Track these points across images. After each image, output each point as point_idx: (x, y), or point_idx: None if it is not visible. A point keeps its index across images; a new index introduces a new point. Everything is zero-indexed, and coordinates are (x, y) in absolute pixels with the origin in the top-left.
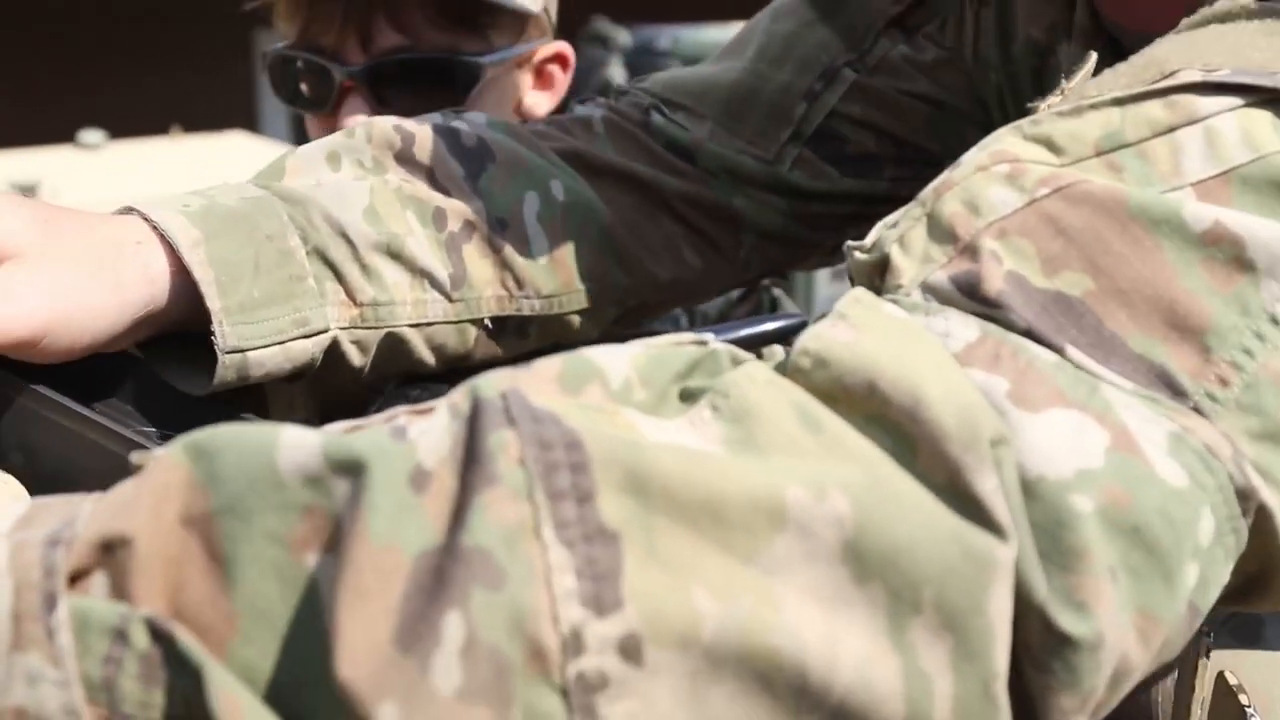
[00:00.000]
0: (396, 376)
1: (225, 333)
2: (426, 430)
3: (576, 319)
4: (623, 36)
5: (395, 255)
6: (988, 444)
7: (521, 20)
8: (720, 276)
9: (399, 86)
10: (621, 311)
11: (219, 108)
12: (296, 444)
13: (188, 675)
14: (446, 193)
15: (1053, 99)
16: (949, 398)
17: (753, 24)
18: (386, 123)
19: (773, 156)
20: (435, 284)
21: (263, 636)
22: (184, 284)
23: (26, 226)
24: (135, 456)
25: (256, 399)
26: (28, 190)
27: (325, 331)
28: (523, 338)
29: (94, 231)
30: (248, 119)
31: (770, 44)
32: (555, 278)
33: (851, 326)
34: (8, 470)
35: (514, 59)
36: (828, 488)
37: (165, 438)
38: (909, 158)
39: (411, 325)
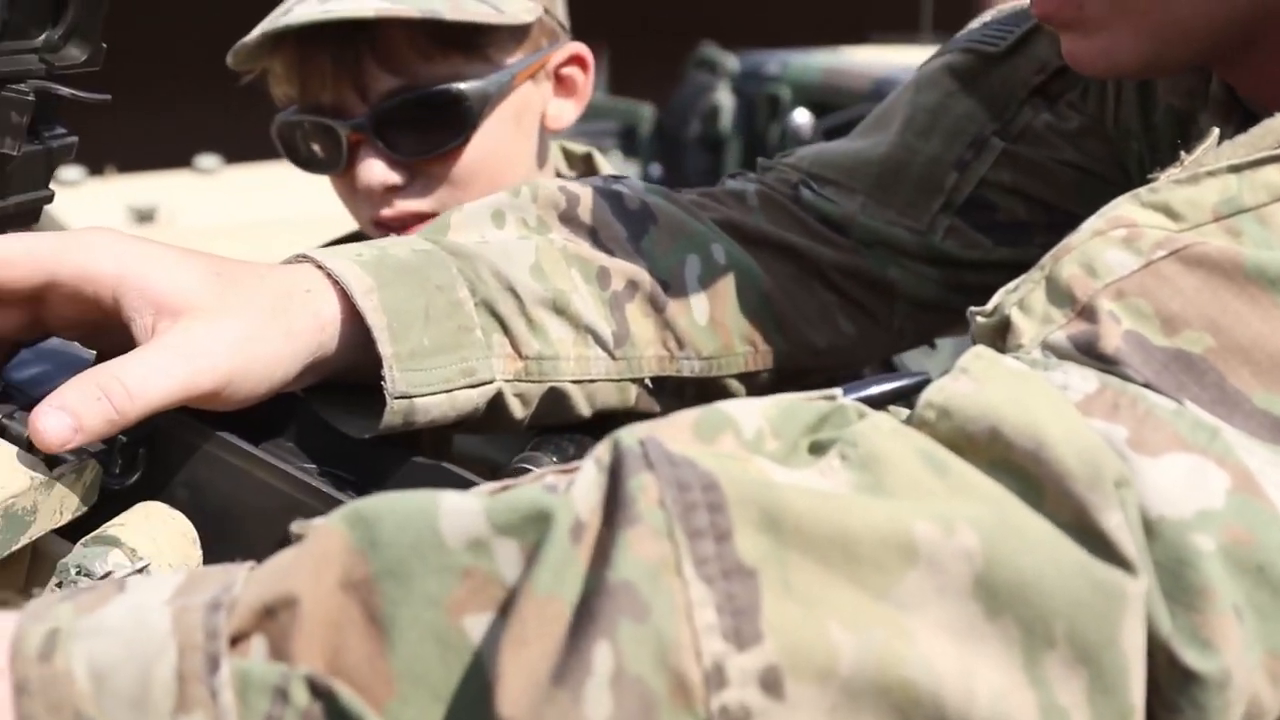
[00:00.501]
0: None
1: (395, 378)
2: (578, 484)
3: (734, 383)
4: (730, 62)
5: (560, 311)
6: (1111, 484)
7: (521, 32)
8: (874, 344)
9: (406, 128)
10: (778, 378)
11: None
12: (459, 509)
13: None
14: (610, 253)
15: (1173, 169)
16: (1071, 440)
17: (895, 99)
18: (552, 183)
19: (925, 227)
20: (599, 341)
21: (421, 698)
22: (354, 330)
23: (202, 281)
24: (295, 526)
25: (410, 440)
26: (146, 214)
27: (491, 383)
28: (680, 399)
29: (264, 281)
30: None
31: (916, 116)
32: (715, 340)
33: (973, 379)
34: (174, 506)
35: (523, 72)
36: (956, 523)
37: (327, 476)
38: (1059, 224)
39: (574, 381)
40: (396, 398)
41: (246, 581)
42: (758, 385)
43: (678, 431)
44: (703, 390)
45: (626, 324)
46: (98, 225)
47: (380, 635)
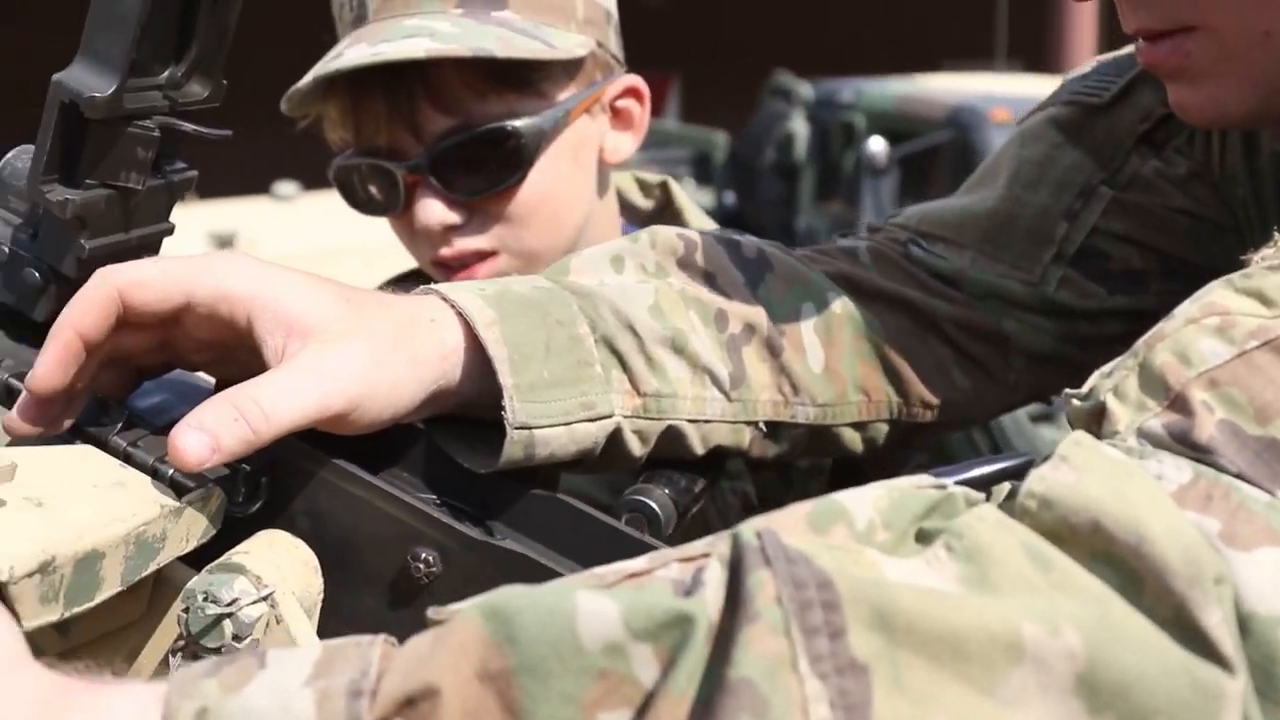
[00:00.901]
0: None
1: (515, 409)
2: (709, 584)
3: (847, 432)
4: (805, 90)
5: (679, 350)
6: (1211, 580)
7: (574, 66)
8: (989, 399)
9: (462, 167)
10: (892, 432)
11: None
12: (595, 612)
13: None
14: (728, 297)
15: (1266, 250)
16: (1171, 535)
17: (1000, 154)
18: (670, 230)
19: (1037, 279)
20: (715, 382)
21: None
22: (475, 361)
23: (333, 305)
24: (432, 612)
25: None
26: (225, 240)
27: (610, 417)
28: (793, 446)
29: (391, 309)
30: None
31: (1022, 169)
32: (830, 388)
33: (1074, 469)
34: (295, 534)
35: (578, 106)
36: (1060, 623)
37: (445, 507)
38: (1174, 271)
39: (690, 420)
40: (517, 428)
41: (386, 669)
42: (872, 438)
43: (794, 523)
44: (816, 439)
45: (743, 366)
46: (225, 252)
47: None
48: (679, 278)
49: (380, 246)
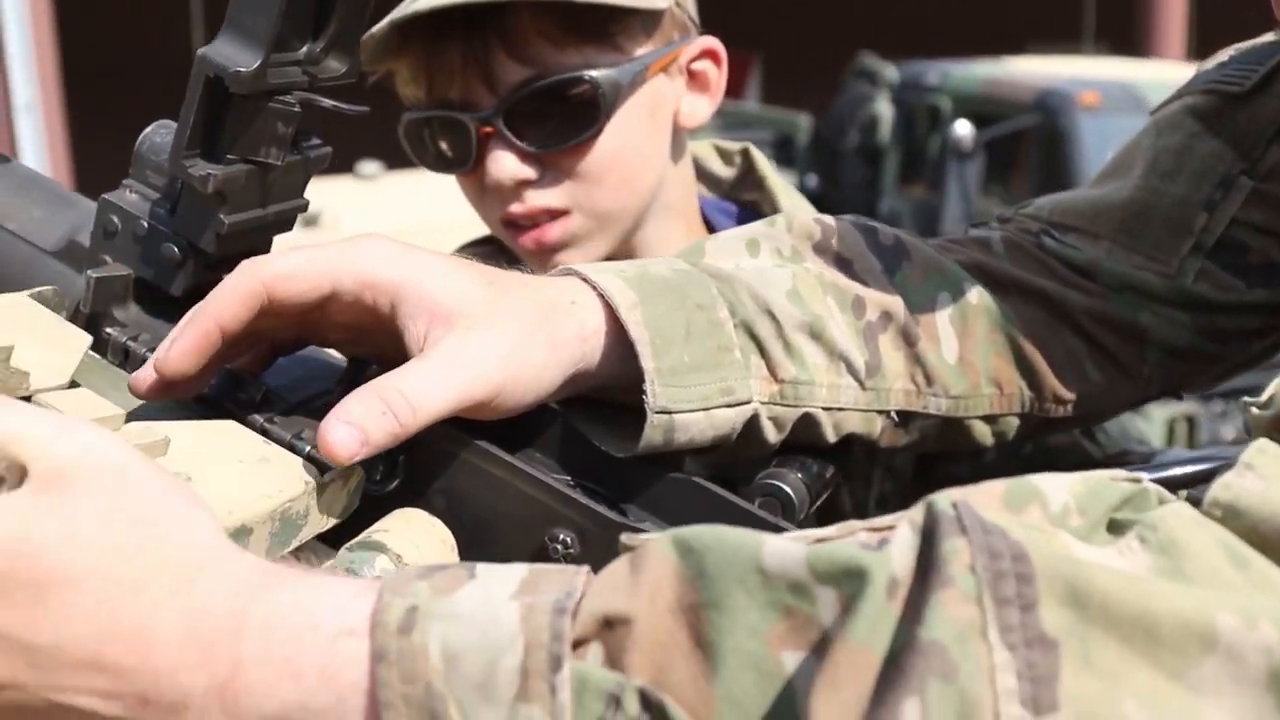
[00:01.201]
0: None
1: (656, 392)
2: (895, 543)
3: (978, 425)
4: (890, 72)
5: (816, 336)
6: None
7: (652, 21)
8: (1121, 393)
9: (537, 119)
10: (1023, 426)
11: None
12: (781, 552)
13: None
14: (865, 283)
15: None
16: None
17: (1134, 143)
18: (807, 214)
19: (1174, 270)
20: (851, 369)
21: None
22: (615, 344)
23: (475, 288)
24: (626, 538)
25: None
26: (311, 219)
27: (748, 403)
28: (923, 437)
29: (531, 291)
30: None
31: (1160, 159)
32: (964, 379)
33: (1260, 476)
34: (431, 512)
35: (655, 63)
36: (1257, 617)
37: (581, 489)
38: None
39: (825, 408)
40: (657, 412)
41: (588, 591)
42: (1003, 431)
43: (988, 499)
44: (946, 430)
45: (879, 354)
46: (377, 235)
47: (705, 659)
48: (815, 263)
49: (461, 224)
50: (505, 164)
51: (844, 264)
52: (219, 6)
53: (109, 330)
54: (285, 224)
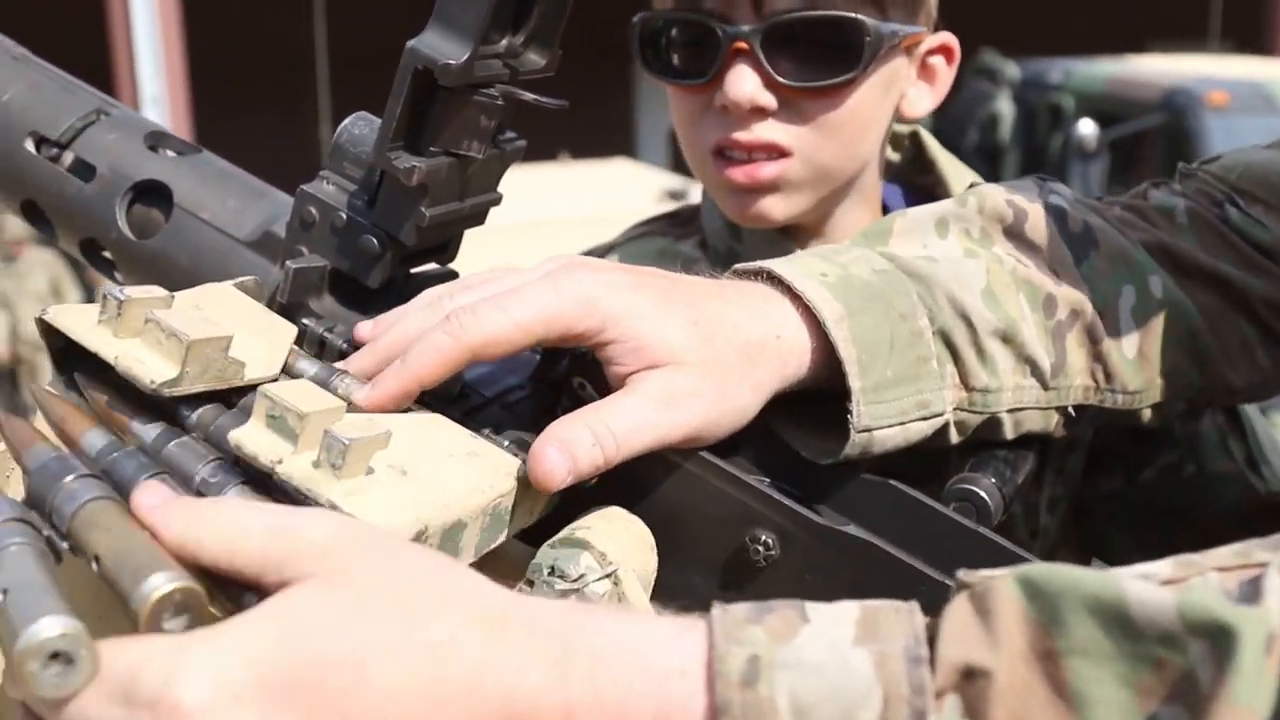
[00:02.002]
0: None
1: (861, 412)
2: (1269, 593)
3: (1146, 412)
4: (1011, 70)
5: (1008, 341)
6: None
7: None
8: None
9: (794, 51)
10: (1186, 410)
11: (601, 136)
12: (1148, 601)
13: None
14: (1056, 276)
15: None
16: None
17: None
18: (999, 194)
19: None
20: (1036, 371)
21: None
22: (820, 357)
23: (684, 333)
24: (962, 575)
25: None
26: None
27: (942, 415)
28: (1090, 424)
29: (738, 331)
30: (627, 147)
31: None
32: (1140, 374)
33: None
34: (628, 510)
35: (905, 39)
36: None
37: (774, 488)
38: None
39: (1008, 410)
40: (859, 431)
41: (938, 637)
42: (1163, 414)
43: None
44: (1113, 418)
45: (1064, 354)
46: (577, 266)
47: (1070, 710)
48: (1005, 248)
49: (574, 221)
50: (747, 85)
51: (1034, 251)
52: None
53: (305, 321)
54: (479, 217)
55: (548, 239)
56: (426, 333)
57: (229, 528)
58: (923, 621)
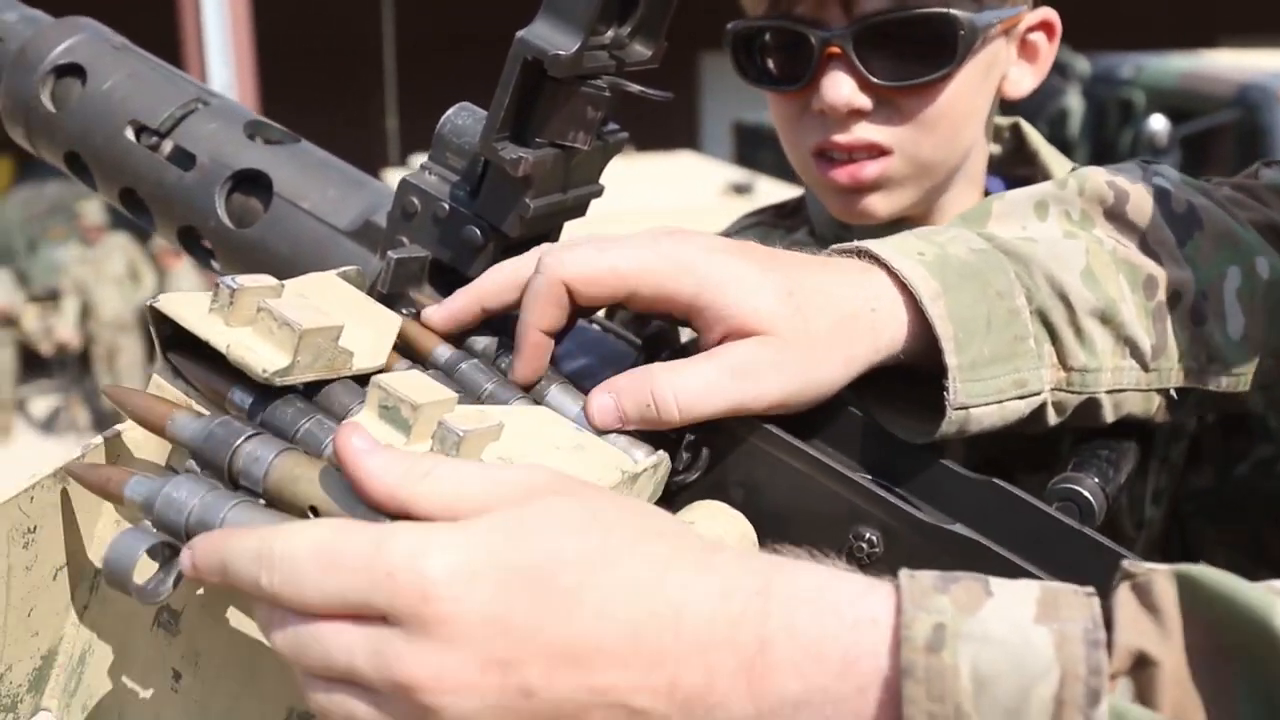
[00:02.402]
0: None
1: (957, 389)
2: None
3: (1254, 396)
4: (1081, 64)
5: (1107, 321)
6: None
7: None
8: None
9: (887, 50)
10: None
11: (666, 129)
12: None
13: None
14: (1157, 258)
15: None
16: None
17: None
18: (1099, 176)
19: None
20: (1136, 353)
21: None
22: (915, 333)
23: (776, 303)
24: (1128, 564)
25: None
26: None
27: (1039, 394)
28: (1196, 410)
29: (832, 301)
30: (691, 140)
31: None
32: (1244, 355)
33: None
34: (729, 504)
35: (1004, 22)
36: None
37: (878, 484)
38: None
39: (1107, 391)
40: (956, 409)
41: (1115, 623)
42: (1269, 395)
43: None
44: (1218, 399)
45: (1165, 336)
46: (677, 232)
47: (1231, 707)
48: (1105, 230)
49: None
50: (843, 88)
51: (1135, 233)
52: None
53: (405, 311)
54: (580, 209)
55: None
56: (530, 280)
57: (449, 481)
58: (1099, 606)
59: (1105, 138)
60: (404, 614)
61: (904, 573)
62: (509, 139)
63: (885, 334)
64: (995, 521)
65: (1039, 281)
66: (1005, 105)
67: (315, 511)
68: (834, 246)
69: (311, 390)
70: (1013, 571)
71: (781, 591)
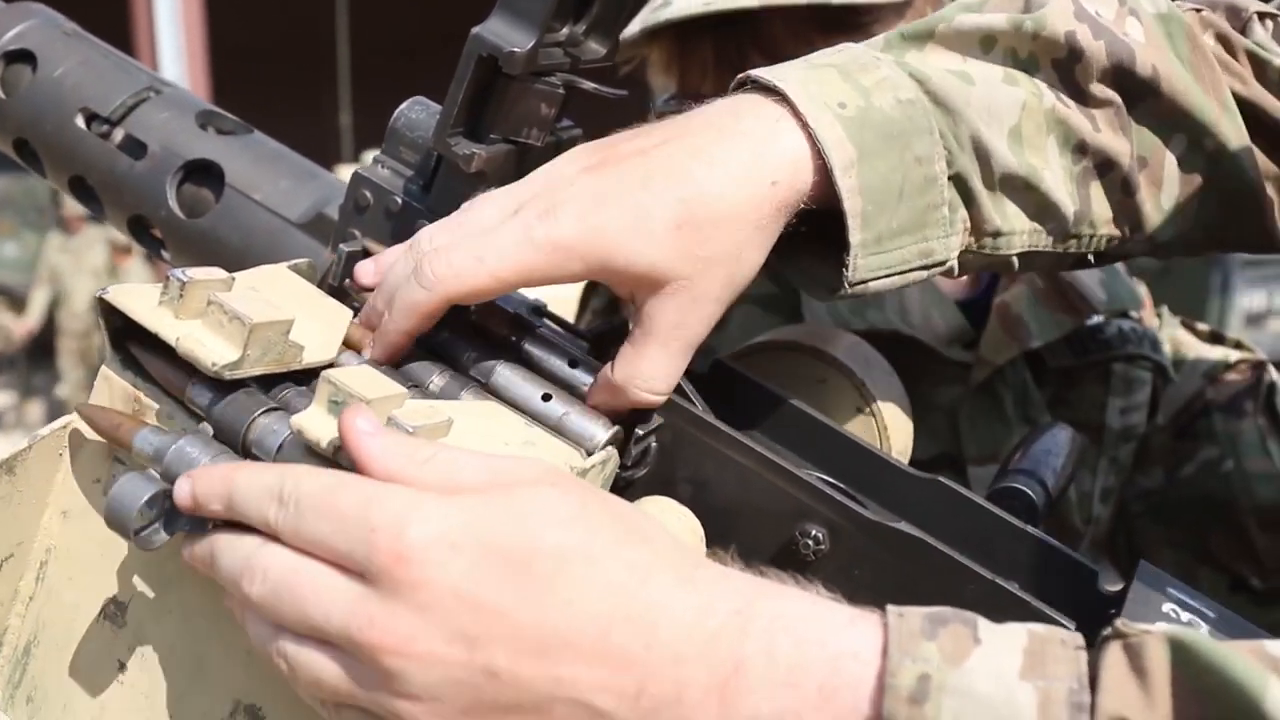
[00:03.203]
0: None
1: (857, 266)
2: None
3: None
4: None
5: (1029, 188)
6: None
7: (905, 7)
8: None
9: None
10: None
11: (619, 122)
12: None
13: None
14: (1094, 124)
15: None
16: None
17: None
18: (1060, 22)
19: None
20: (1056, 218)
21: None
22: (821, 194)
23: (669, 249)
24: (1121, 624)
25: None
26: None
27: (944, 264)
28: (1089, 266)
29: (729, 206)
30: None
31: None
32: (1173, 227)
33: None
34: (677, 500)
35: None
36: None
37: (824, 482)
38: None
39: (1017, 254)
40: (854, 284)
41: (1100, 688)
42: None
43: None
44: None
45: (1089, 203)
46: (545, 198)
47: None
48: (1050, 77)
49: None
50: None
51: (1078, 92)
52: None
53: (356, 304)
54: None
55: None
56: (402, 286)
57: (447, 467)
58: (1086, 662)
59: None
60: (379, 573)
61: (892, 611)
62: (463, 134)
63: (788, 206)
64: (941, 519)
65: (964, 141)
66: None
67: None
68: (748, 74)
69: (266, 383)
70: (956, 569)
71: (764, 614)
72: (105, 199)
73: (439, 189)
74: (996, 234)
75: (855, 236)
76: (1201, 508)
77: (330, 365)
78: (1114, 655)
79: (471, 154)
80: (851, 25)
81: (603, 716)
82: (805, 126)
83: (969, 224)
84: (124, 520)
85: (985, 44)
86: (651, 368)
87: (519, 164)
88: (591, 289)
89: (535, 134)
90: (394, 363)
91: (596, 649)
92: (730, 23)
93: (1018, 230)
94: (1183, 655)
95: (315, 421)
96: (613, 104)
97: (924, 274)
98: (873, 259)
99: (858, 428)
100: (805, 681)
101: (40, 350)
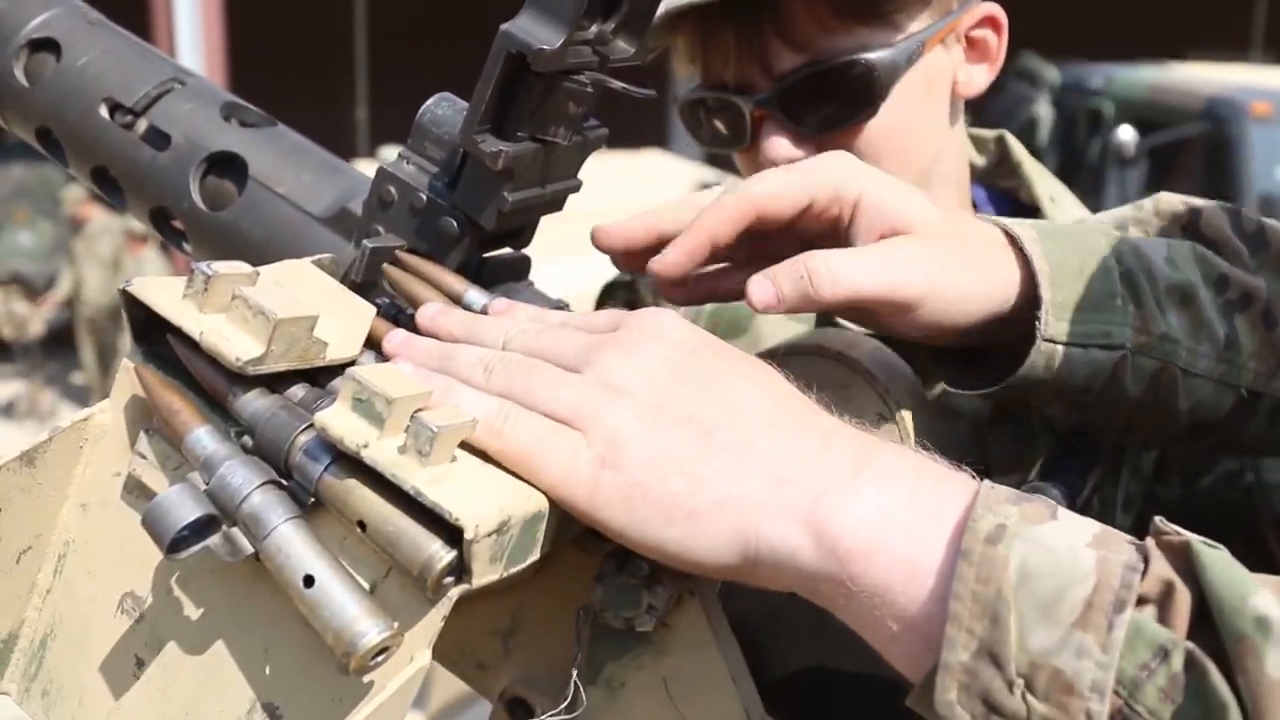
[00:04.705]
0: (1150, 427)
1: (1049, 321)
2: None
3: None
4: (1051, 74)
5: (1186, 302)
6: None
7: None
8: None
9: (811, 102)
10: None
11: (634, 127)
12: (1269, 603)
13: (1201, 706)
14: (1229, 264)
15: None
16: None
17: None
18: (1175, 197)
19: None
20: (1211, 339)
21: None
22: (1017, 278)
23: (930, 210)
24: (1160, 521)
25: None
26: None
27: (1123, 348)
28: (1271, 425)
29: (982, 228)
30: (660, 138)
31: None
32: None
33: None
34: None
35: (933, 38)
36: None
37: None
38: None
39: (1183, 369)
40: (1046, 340)
41: (1153, 558)
42: None
43: None
44: None
45: (1236, 332)
46: (834, 152)
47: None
48: (1182, 237)
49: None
50: (780, 147)
51: (1209, 243)
52: None
53: (379, 300)
54: (558, 204)
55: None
56: (719, 196)
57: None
58: (1130, 550)
59: (1074, 147)
60: (629, 326)
61: (985, 483)
62: (489, 131)
63: (1013, 275)
64: None
65: (1127, 250)
66: (970, 104)
67: (363, 526)
68: None
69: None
70: None
71: (884, 454)
72: (128, 190)
73: (465, 186)
74: (1165, 338)
75: (1046, 294)
76: (1221, 519)
77: (352, 363)
78: (1163, 545)
79: (498, 151)
80: (873, 13)
81: (753, 451)
82: (992, 221)
83: (1140, 323)
84: (162, 531)
85: (1119, 228)
86: (847, 263)
87: (545, 162)
88: (608, 291)
89: (562, 132)
90: (690, 264)
91: (767, 408)
92: (751, 8)
93: (1182, 343)
94: (1199, 555)
95: (340, 419)
96: (632, 104)
97: (1105, 356)
98: (1061, 324)
99: (881, 435)
100: (911, 493)
101: (53, 339)
